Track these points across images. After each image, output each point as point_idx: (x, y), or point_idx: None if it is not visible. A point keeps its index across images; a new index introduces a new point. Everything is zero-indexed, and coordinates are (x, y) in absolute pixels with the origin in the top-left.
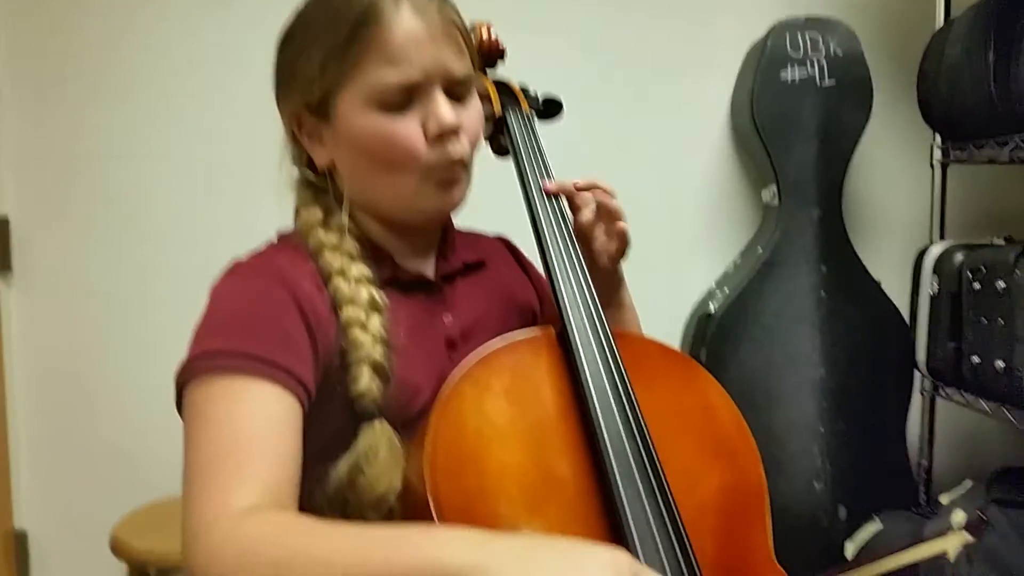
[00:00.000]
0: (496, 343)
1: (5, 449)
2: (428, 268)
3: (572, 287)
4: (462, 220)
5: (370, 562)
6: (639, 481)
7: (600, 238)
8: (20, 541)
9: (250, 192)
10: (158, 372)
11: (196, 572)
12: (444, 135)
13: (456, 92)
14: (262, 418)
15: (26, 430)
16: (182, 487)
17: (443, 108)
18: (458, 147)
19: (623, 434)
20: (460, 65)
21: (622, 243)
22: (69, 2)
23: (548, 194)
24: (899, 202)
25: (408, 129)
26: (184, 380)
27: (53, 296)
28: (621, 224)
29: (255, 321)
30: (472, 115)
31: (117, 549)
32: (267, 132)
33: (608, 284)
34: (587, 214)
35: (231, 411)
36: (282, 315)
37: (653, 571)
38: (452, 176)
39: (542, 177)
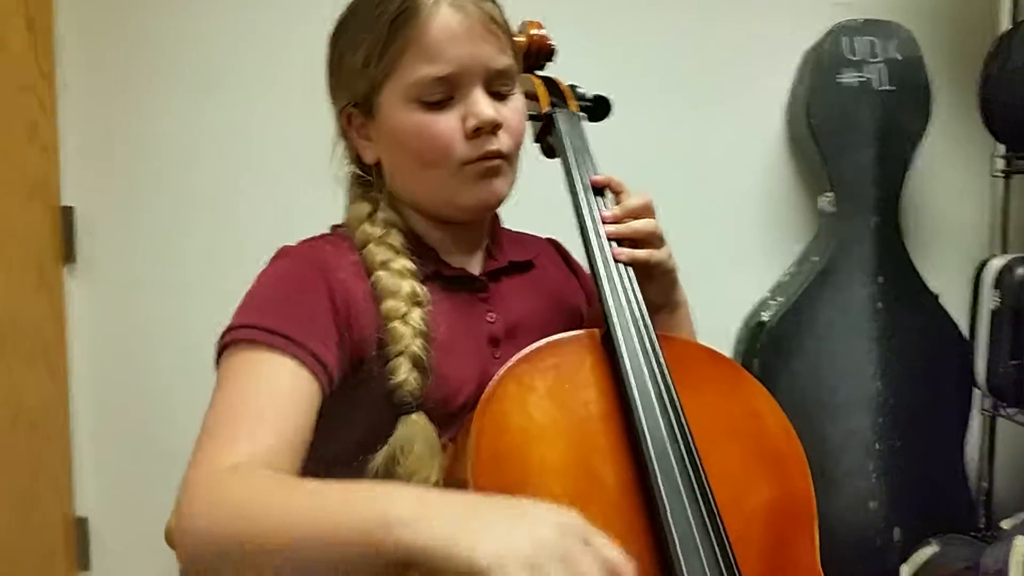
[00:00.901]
0: (540, 343)
1: (68, 437)
2: (474, 265)
3: (618, 289)
4: (510, 221)
5: (326, 510)
6: (682, 485)
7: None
8: (81, 527)
9: (310, 186)
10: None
11: (177, 527)
12: (482, 130)
13: (497, 88)
14: (272, 388)
15: (88, 419)
16: None
17: (482, 103)
18: (496, 143)
19: (667, 438)
20: (500, 60)
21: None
22: None
23: (595, 189)
24: (959, 212)
25: (446, 125)
26: (219, 348)
27: (116, 287)
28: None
29: (287, 302)
30: (514, 111)
31: (171, 539)
32: (322, 131)
33: (660, 284)
34: None
35: (246, 380)
36: (313, 300)
37: (603, 536)
38: (490, 169)
39: (589, 176)
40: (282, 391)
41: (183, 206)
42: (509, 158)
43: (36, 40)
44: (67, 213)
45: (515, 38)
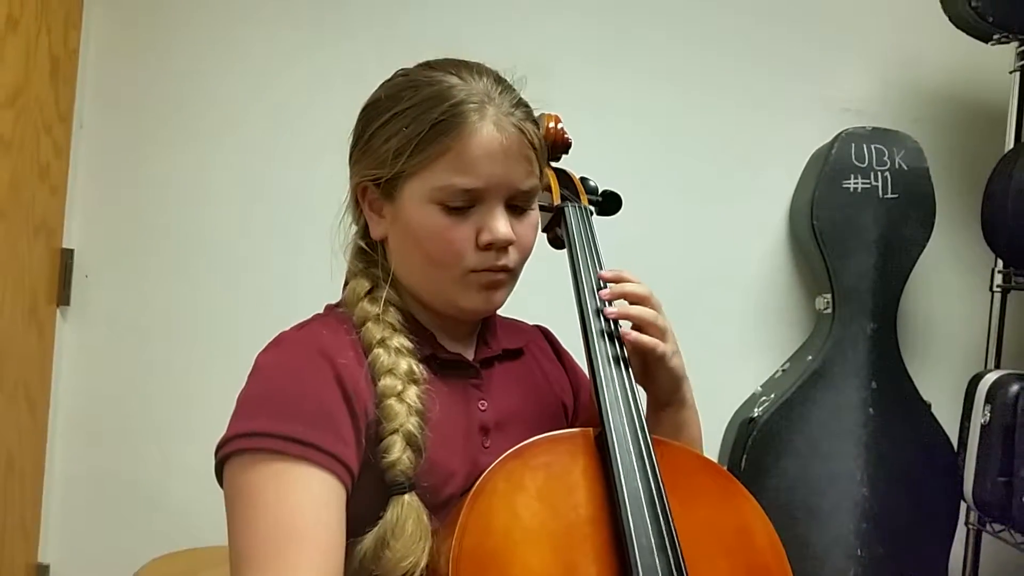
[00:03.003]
0: (533, 439)
1: (40, 481)
2: (468, 351)
3: (615, 390)
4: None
5: None
6: None
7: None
8: (41, 575)
9: (307, 248)
10: (202, 422)
11: None
12: (494, 246)
13: (517, 203)
14: (310, 507)
15: (63, 464)
16: (231, 570)
17: (499, 222)
18: (505, 259)
19: (655, 549)
20: (527, 181)
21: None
22: (156, 42)
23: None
24: (955, 324)
25: (461, 232)
26: (226, 455)
27: (106, 333)
28: (633, 336)
29: (297, 400)
30: (528, 227)
31: None
32: (328, 194)
33: (664, 381)
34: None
35: (279, 498)
36: (324, 393)
37: None
38: (494, 281)
39: (595, 272)
40: (318, 508)
41: (182, 258)
42: (513, 272)
43: (59, 81)
44: (66, 255)
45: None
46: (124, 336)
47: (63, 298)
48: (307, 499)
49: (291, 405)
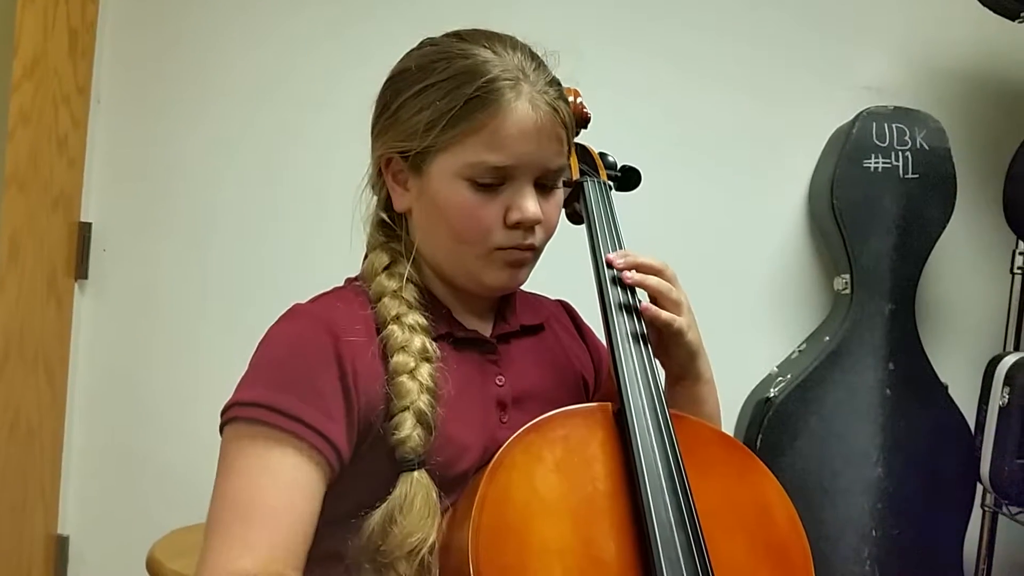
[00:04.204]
0: (552, 413)
1: (59, 453)
2: (486, 327)
3: (634, 365)
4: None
5: None
6: (685, 573)
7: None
8: (61, 545)
9: (323, 223)
10: (216, 394)
11: None
12: (522, 225)
13: (545, 181)
14: (283, 483)
15: (81, 435)
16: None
17: (529, 201)
18: (531, 237)
19: (673, 523)
20: (557, 160)
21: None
22: (174, 15)
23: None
24: (974, 305)
25: (489, 210)
26: (224, 421)
27: (124, 306)
28: (650, 311)
29: (293, 374)
30: (553, 206)
31: (151, 567)
32: (348, 170)
33: (680, 355)
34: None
35: (254, 469)
36: (320, 370)
37: None
38: (519, 259)
39: (613, 248)
40: (291, 485)
41: (200, 231)
42: (538, 250)
43: (76, 54)
44: (84, 229)
45: None
46: (141, 309)
47: (81, 271)
48: (281, 476)
49: (287, 378)
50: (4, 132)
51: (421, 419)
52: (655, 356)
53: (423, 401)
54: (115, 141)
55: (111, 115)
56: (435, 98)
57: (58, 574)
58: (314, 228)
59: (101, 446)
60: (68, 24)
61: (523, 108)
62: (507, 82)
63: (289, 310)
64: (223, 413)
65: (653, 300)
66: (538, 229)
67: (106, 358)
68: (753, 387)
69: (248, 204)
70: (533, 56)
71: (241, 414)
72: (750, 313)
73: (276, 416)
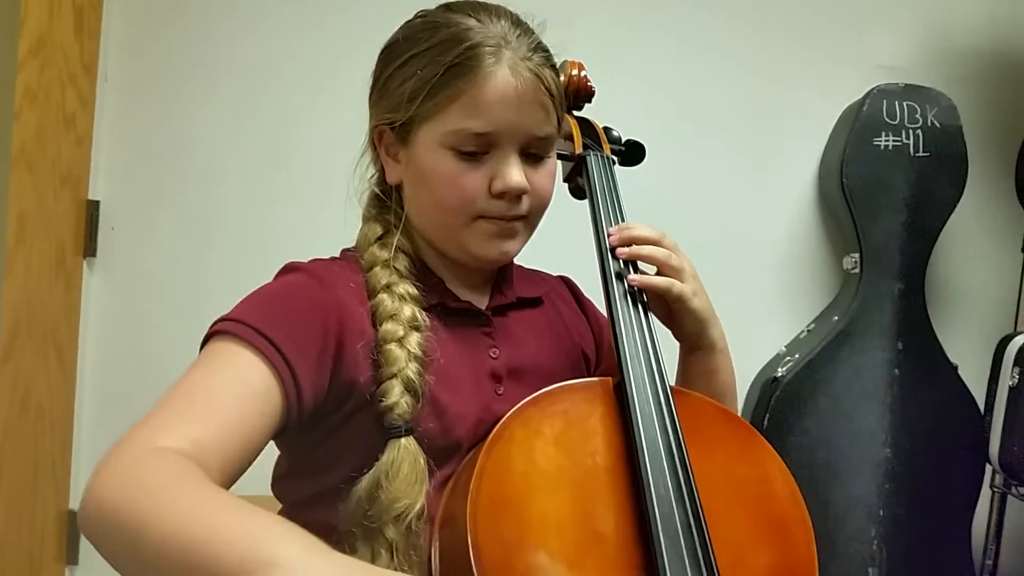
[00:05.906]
0: (552, 387)
1: (69, 430)
2: (481, 299)
3: (635, 340)
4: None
5: (215, 530)
6: (684, 548)
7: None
8: (72, 520)
9: (329, 201)
10: None
11: (87, 486)
12: (507, 195)
13: (534, 150)
14: (236, 382)
15: (91, 412)
16: None
17: (513, 170)
18: (518, 207)
19: (673, 497)
20: (543, 128)
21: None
22: None
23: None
24: (984, 285)
25: (473, 178)
26: (208, 335)
27: (132, 284)
28: (643, 279)
29: (280, 309)
30: (544, 176)
31: None
32: (353, 150)
33: (687, 323)
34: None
35: (215, 368)
36: (307, 314)
37: None
38: (507, 230)
39: (615, 223)
40: (245, 388)
41: (208, 209)
42: (528, 220)
43: (83, 33)
44: (92, 207)
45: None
46: (150, 286)
47: (89, 249)
48: (240, 374)
49: (272, 311)
50: (11, 111)
51: (409, 386)
52: (667, 327)
53: (411, 369)
54: (123, 119)
55: (119, 93)
56: (418, 68)
57: (70, 548)
58: (321, 206)
59: (111, 423)
60: (74, 2)
61: (502, 74)
62: (488, 48)
63: (287, 265)
64: (209, 329)
65: (658, 272)
66: (526, 199)
67: (115, 335)
68: (761, 367)
69: (255, 182)
70: (518, 23)
71: (224, 328)
72: (759, 292)
73: (253, 333)
